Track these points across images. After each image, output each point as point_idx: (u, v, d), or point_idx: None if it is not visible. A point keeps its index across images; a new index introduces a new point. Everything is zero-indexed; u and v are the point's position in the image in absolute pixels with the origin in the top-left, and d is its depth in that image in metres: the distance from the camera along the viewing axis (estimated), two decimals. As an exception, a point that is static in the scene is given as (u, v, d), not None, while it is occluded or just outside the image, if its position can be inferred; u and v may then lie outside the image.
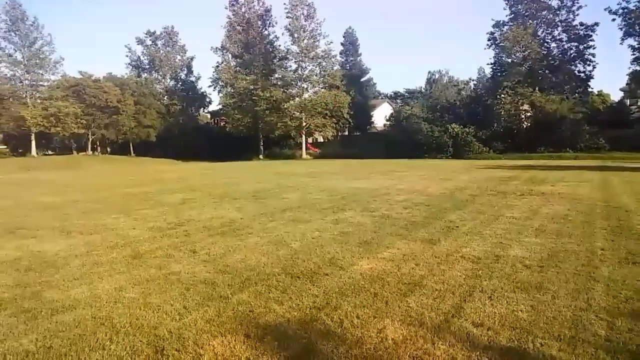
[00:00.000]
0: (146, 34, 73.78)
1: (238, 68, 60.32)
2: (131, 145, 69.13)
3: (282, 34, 62.19)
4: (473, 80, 65.92)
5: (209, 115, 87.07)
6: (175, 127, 70.28)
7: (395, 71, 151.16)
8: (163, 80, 75.21)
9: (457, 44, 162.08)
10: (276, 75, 60.26)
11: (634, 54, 42.59)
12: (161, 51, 73.92)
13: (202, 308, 4.42)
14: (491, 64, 54.47)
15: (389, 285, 5.02)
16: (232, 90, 60.00)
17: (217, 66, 63.23)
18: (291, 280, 5.29)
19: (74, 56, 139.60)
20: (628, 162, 31.58)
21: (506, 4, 51.34)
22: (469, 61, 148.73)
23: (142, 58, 75.13)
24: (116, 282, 5.32)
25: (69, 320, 4.17)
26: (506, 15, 51.73)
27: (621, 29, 43.04)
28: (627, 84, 46.93)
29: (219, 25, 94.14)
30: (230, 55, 62.92)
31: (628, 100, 52.30)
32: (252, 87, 57.64)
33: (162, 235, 8.04)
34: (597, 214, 9.57)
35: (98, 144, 71.03)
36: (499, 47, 51.40)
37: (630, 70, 43.69)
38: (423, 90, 77.50)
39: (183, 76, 76.01)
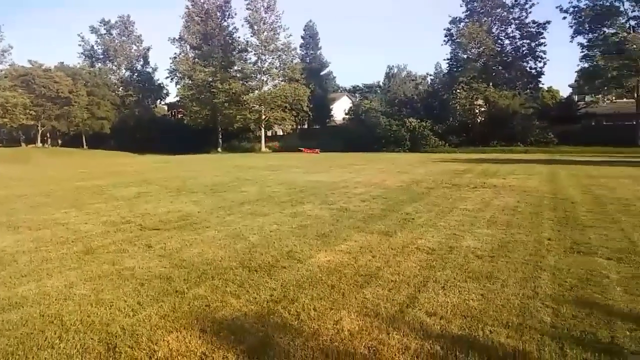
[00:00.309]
0: (100, 22, 71.58)
1: (196, 59, 59.23)
2: (84, 137, 67.02)
3: (242, 25, 61.42)
4: (430, 75, 67.23)
5: (166, 107, 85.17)
6: (130, 119, 68.56)
7: (355, 65, 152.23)
8: (118, 71, 73.18)
9: (416, 39, 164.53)
10: (235, 68, 59.49)
11: (582, 52, 44.56)
12: (116, 41, 71.83)
13: (156, 303, 4.35)
14: (448, 59, 55.82)
15: (346, 277, 5.07)
16: (190, 82, 58.91)
17: (175, 57, 61.89)
18: (249, 273, 5.27)
19: (24, 45, 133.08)
20: (575, 155, 32.96)
21: (462, 0, 52.49)
22: (426, 56, 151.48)
23: (95, 47, 72.82)
24: (66, 278, 5.15)
25: (16, 319, 4.02)
26: (462, 12, 53.02)
27: (571, 27, 44.97)
28: (575, 80, 48.94)
29: (177, 16, 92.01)
30: (188, 47, 61.71)
31: (576, 97, 54.45)
32: (210, 79, 56.76)
33: (115, 230, 7.83)
34: (545, 205, 9.96)
35: (48, 136, 68.56)
36: (455, 43, 52.57)
37: (579, 67, 45.65)
38: (382, 84, 78.37)
39: (139, 67, 74.15)
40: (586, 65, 44.23)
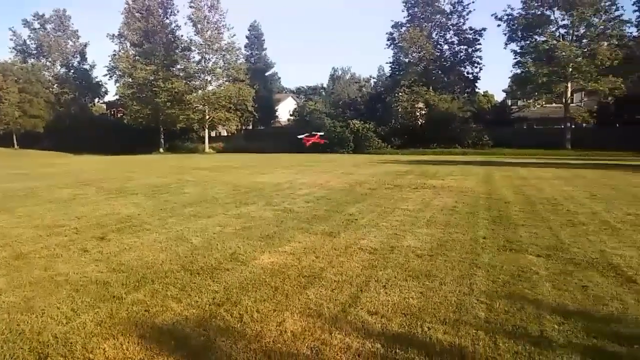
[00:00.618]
0: (34, 16, 67.92)
1: (137, 57, 57.24)
2: (14, 136, 63.41)
3: (185, 23, 59.75)
4: (373, 78, 68.48)
5: (104, 106, 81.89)
6: (66, 117, 65.46)
7: (300, 67, 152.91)
8: (52, 67, 69.63)
9: (360, 42, 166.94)
10: (178, 66, 58.09)
11: (515, 58, 46.76)
12: (51, 36, 68.34)
13: (92, 310, 4.19)
14: (390, 62, 56.90)
15: (290, 279, 5.09)
16: (131, 80, 56.91)
17: (114, 54, 59.58)
18: (190, 276, 5.18)
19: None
20: (508, 157, 34.49)
21: (404, 6, 53.74)
22: (370, 59, 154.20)
23: (28, 42, 69.04)
24: (-6, 286, 4.87)
25: (-63, 331, 3.76)
26: (404, 17, 54.18)
27: (505, 34, 47.07)
28: (509, 86, 51.14)
29: (116, 11, 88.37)
30: (128, 44, 59.53)
31: (509, 101, 56.94)
32: (152, 77, 55.08)
33: (48, 234, 7.47)
34: (481, 205, 10.38)
35: (-25, 135, 64.41)
36: (397, 47, 53.67)
37: (512, 73, 47.87)
38: (326, 86, 79.06)
39: (75, 63, 70.87)
40: (518, 71, 46.42)
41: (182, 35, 59.61)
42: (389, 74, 59.26)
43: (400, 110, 50.89)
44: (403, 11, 54.19)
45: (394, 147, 47.33)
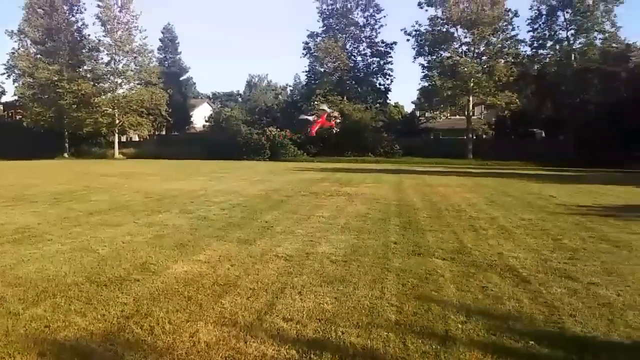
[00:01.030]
0: None
1: (39, 56, 53.11)
2: None
3: (93, 23, 56.07)
4: (290, 86, 69.02)
5: (1, 107, 75.15)
6: (-45, 119, 59.29)
7: (216, 72, 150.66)
8: (-59, 65, 62.81)
9: (276, 50, 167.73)
10: (85, 67, 54.62)
11: (423, 72, 49.47)
12: (-63, 29, 61.76)
13: (-16, 328, 3.86)
14: (306, 71, 57.67)
15: (204, 288, 4.99)
16: (32, 80, 52.60)
17: (13, 52, 54.91)
18: (97, 289, 4.92)
19: None
20: (417, 166, 36.17)
21: (320, 16, 54.80)
22: (286, 67, 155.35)
23: None
24: None
25: None
26: (320, 27, 55.24)
27: (414, 48, 49.53)
28: (417, 97, 53.77)
29: (16, 6, 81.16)
30: (29, 41, 55.07)
31: (418, 112, 59.76)
32: (55, 78, 51.25)
33: None
34: (392, 212, 10.81)
35: None
36: (313, 56, 54.59)
37: (420, 85, 50.50)
38: (242, 92, 78.46)
39: (-32, 61, 64.44)
40: (426, 84, 49.19)
41: (89, 35, 56.26)
42: (304, 83, 60.00)
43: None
44: (318, 21, 55.28)
45: (309, 155, 47.79)
